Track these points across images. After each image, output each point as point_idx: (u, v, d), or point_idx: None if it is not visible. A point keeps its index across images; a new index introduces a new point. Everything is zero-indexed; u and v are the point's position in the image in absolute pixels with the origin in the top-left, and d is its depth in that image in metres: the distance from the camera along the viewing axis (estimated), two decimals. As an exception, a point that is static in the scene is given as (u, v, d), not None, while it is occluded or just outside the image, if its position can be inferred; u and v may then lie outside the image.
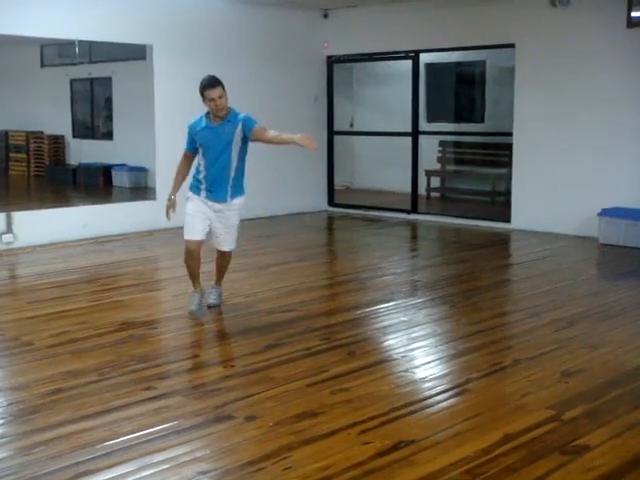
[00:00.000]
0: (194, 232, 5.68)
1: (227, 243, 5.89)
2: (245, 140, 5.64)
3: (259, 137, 5.59)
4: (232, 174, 5.68)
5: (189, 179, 5.86)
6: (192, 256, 5.74)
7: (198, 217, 5.69)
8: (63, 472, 3.36)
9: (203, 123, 5.68)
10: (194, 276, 5.90)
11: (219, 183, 5.68)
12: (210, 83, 5.48)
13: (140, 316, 5.99)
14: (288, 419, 3.90)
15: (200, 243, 5.74)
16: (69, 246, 8.85)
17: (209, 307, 6.03)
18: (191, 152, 5.86)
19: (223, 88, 5.49)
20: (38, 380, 4.51)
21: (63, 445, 3.61)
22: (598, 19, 9.07)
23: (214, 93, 5.44)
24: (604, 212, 8.84)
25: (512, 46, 9.88)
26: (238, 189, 5.78)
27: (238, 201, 5.79)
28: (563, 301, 6.32)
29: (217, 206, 5.71)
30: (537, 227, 9.68)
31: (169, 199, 5.77)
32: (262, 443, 3.65)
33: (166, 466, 3.41)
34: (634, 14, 8.82)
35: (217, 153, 5.62)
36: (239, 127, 5.55)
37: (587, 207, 9.10)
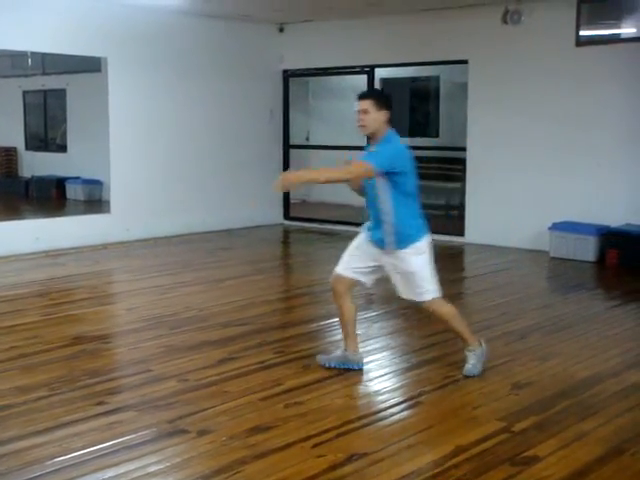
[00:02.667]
0: (339, 262, 4.93)
1: (406, 292, 4.75)
2: (394, 175, 4.52)
3: None
4: (387, 218, 4.61)
5: None
6: (333, 291, 4.96)
7: (351, 252, 4.91)
8: (12, 489, 3.32)
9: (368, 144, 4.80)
10: (342, 328, 5.01)
11: (376, 224, 4.73)
12: (361, 93, 4.68)
13: (92, 330, 5.93)
14: (241, 433, 3.89)
15: (341, 279, 4.87)
16: (20, 259, 8.72)
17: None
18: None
19: (375, 104, 4.53)
20: (-14, 396, 4.43)
21: (12, 462, 3.55)
22: (548, 37, 9.27)
23: (359, 104, 4.57)
24: (554, 226, 9.00)
25: (465, 62, 10.04)
26: (401, 238, 4.62)
27: (407, 251, 4.63)
28: (514, 314, 6.42)
29: (381, 251, 4.75)
30: (490, 241, 9.82)
31: None
32: (215, 457, 3.63)
33: (117, 482, 3.39)
34: (582, 33, 9.03)
35: (369, 186, 4.67)
36: None
37: (538, 221, 9.25)
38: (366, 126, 4.57)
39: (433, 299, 4.72)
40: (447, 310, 4.80)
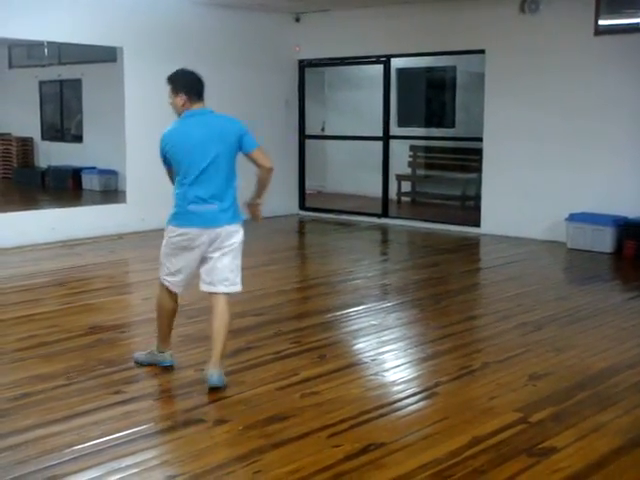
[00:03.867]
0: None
1: None
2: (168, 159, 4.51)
3: None
4: None
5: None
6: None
7: None
8: (30, 477, 3.33)
9: None
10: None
11: None
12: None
13: (109, 320, 5.96)
14: (258, 423, 3.90)
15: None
16: (37, 249, 8.76)
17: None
18: None
19: (171, 90, 4.45)
20: (5, 384, 4.46)
21: (30, 450, 3.58)
22: (566, 26, 9.18)
23: None
24: (572, 217, 8.94)
25: (482, 52, 9.98)
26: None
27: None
28: (531, 305, 6.39)
29: None
30: (506, 232, 9.77)
31: None
32: (232, 447, 3.65)
33: (134, 470, 3.40)
34: (601, 22, 8.95)
35: None
36: None
37: (555, 212, 9.19)
38: (175, 112, 4.49)
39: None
40: (157, 301, 4.71)
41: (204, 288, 4.53)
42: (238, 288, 4.56)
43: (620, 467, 3.46)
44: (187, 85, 4.44)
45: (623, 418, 4.00)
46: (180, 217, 4.42)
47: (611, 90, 8.96)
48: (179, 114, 4.48)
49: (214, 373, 4.34)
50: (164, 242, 4.54)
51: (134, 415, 4.00)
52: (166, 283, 4.58)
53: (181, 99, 4.42)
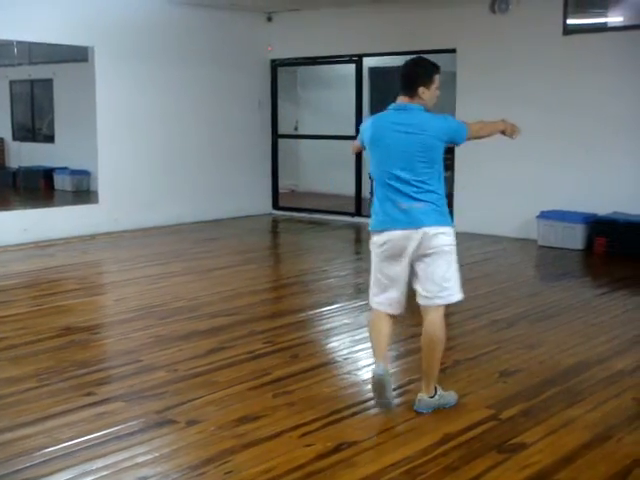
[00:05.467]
0: None
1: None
2: None
3: None
4: None
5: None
6: None
7: None
8: (0, 480, 3.32)
9: None
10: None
11: None
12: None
13: (81, 321, 5.92)
14: (230, 423, 3.90)
15: None
16: (9, 250, 8.68)
17: None
18: None
19: None
20: (-25, 387, 4.43)
21: (0, 453, 3.55)
22: (536, 26, 9.26)
23: None
24: (543, 215, 9.02)
25: (453, 51, 10.03)
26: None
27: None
28: (502, 302, 6.44)
29: None
30: (478, 229, 9.83)
31: None
32: (203, 447, 3.64)
33: (106, 472, 3.38)
34: (569, 22, 9.05)
35: None
36: None
37: (527, 210, 9.27)
38: None
39: None
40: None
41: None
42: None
43: (589, 462, 3.50)
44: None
45: (592, 413, 4.05)
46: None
47: (580, 89, 9.05)
48: None
49: (420, 398, 4.09)
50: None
51: (106, 417, 3.98)
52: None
53: None
